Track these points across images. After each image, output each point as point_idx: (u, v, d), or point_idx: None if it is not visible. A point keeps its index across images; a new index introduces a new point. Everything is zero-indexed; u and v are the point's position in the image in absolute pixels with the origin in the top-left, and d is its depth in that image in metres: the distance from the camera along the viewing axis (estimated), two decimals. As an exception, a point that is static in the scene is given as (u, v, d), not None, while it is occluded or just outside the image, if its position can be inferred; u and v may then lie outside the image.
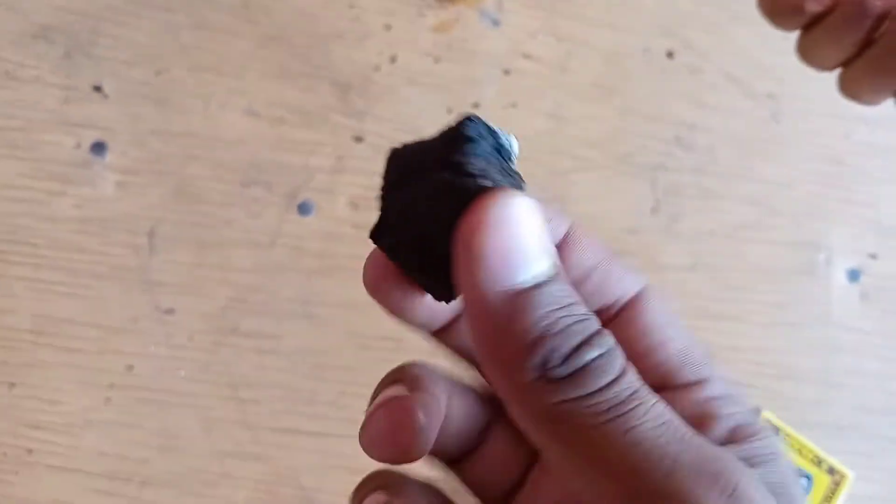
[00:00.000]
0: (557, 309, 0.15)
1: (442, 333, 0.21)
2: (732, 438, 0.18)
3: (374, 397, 0.20)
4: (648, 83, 0.56)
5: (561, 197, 0.54)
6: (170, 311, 0.49)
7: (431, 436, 0.19)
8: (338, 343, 0.50)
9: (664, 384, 0.20)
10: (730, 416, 0.19)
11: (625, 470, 0.15)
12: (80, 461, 0.46)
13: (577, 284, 0.20)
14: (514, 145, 0.19)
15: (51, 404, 0.47)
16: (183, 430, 0.47)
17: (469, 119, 0.18)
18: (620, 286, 0.21)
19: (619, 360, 0.16)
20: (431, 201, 0.17)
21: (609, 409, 0.15)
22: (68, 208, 0.49)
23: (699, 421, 0.18)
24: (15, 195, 0.49)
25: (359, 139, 0.52)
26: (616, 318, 0.20)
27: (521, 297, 0.15)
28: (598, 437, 0.15)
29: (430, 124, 0.55)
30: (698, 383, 0.19)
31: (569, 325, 0.15)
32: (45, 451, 0.46)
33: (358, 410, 0.50)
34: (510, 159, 0.19)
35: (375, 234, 0.19)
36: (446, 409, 0.20)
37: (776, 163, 0.57)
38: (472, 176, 0.17)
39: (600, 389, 0.15)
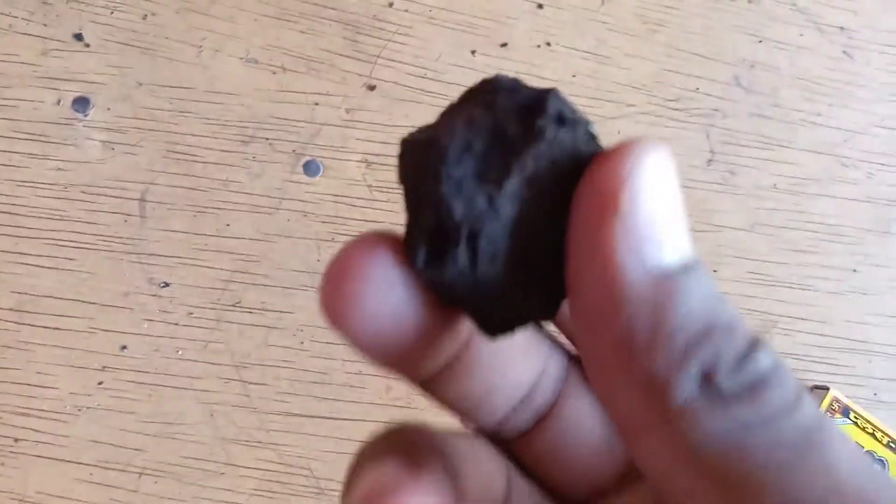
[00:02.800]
0: (715, 301, 0.11)
1: (436, 381, 0.15)
2: None
3: (353, 473, 0.13)
4: (701, 15, 0.49)
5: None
6: (164, 285, 0.44)
7: None
8: (350, 318, 0.44)
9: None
10: None
11: None
12: (70, 450, 0.42)
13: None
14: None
15: (38, 389, 0.43)
16: (182, 416, 0.43)
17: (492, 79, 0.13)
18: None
19: (791, 375, 0.11)
20: (534, 183, 0.12)
21: (800, 435, 0.11)
22: (50, 172, 0.44)
23: None
24: (-10, 158, 0.44)
25: (371, 87, 0.46)
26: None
27: (670, 284, 0.11)
28: (778, 477, 0.11)
29: (451, 68, 0.49)
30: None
31: (733, 322, 0.11)
32: (32, 440, 0.42)
33: (373, 392, 0.46)
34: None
35: (428, 262, 0.13)
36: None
37: (848, 107, 0.50)
38: (589, 137, 0.13)
39: (787, 410, 0.11)
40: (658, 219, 0.11)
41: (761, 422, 0.11)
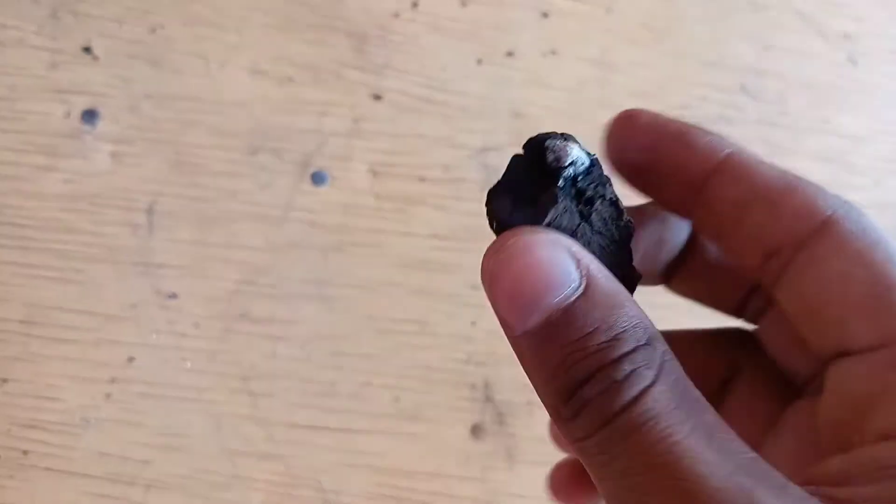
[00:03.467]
0: (569, 343, 0.14)
1: None
2: None
3: None
4: (707, 23, 0.49)
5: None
6: (172, 296, 0.44)
7: None
8: (357, 328, 0.44)
9: (840, 349, 0.16)
10: None
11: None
12: (78, 463, 0.42)
13: (729, 227, 0.18)
14: (570, 154, 0.17)
15: (46, 401, 0.43)
16: (189, 428, 0.43)
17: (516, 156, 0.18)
18: (796, 220, 0.17)
19: (636, 383, 0.14)
20: None
21: (601, 452, 0.14)
22: (58, 184, 0.44)
23: (867, 402, 0.15)
24: (-2, 171, 0.44)
25: (377, 97, 0.46)
26: (788, 267, 0.18)
27: (535, 338, 0.15)
28: (625, 472, 0.14)
29: (458, 77, 0.49)
30: (880, 348, 0.16)
31: (575, 363, 0.14)
32: (40, 452, 0.42)
33: (380, 402, 0.45)
34: (557, 175, 0.17)
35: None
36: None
37: (854, 113, 0.50)
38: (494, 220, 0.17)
39: (603, 425, 0.14)
40: (512, 296, 0.15)
41: (586, 437, 0.14)
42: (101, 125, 0.45)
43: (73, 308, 0.43)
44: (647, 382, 0.14)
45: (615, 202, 0.17)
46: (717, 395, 0.21)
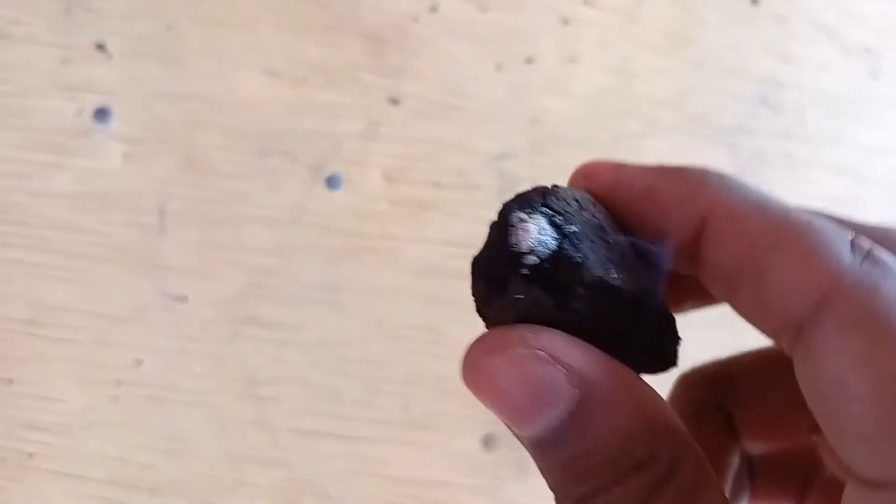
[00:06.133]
0: (561, 467, 0.14)
1: None
2: None
3: None
4: (728, 33, 0.49)
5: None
6: (181, 299, 0.43)
7: None
8: (366, 334, 0.44)
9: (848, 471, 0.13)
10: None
11: None
12: (82, 466, 0.41)
13: (732, 296, 0.15)
14: (529, 238, 0.14)
15: (51, 403, 0.42)
16: (195, 432, 0.42)
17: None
18: (787, 296, 0.14)
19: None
20: None
21: None
22: (67, 183, 0.44)
23: None
24: (7, 169, 0.44)
25: (394, 101, 0.46)
26: (794, 350, 0.14)
27: (528, 445, 0.14)
28: None
29: (476, 83, 0.48)
30: (886, 487, 0.12)
31: (582, 477, 0.13)
32: (44, 454, 0.41)
33: (389, 410, 0.45)
34: (518, 262, 0.15)
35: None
36: None
37: (873, 126, 0.50)
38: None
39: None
40: (505, 409, 0.15)
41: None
42: (114, 124, 0.45)
43: (80, 309, 0.43)
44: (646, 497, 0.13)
45: (601, 281, 0.14)
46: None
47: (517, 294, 0.14)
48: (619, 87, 0.47)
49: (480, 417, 0.43)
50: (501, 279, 0.15)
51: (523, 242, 0.14)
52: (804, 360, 0.13)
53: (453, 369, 0.47)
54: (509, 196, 0.16)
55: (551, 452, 0.14)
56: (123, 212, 0.44)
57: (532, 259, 0.14)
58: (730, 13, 0.49)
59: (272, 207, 0.44)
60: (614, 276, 0.15)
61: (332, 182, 0.45)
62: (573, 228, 0.15)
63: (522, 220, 0.14)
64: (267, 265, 0.44)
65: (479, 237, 0.17)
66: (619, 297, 0.15)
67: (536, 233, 0.14)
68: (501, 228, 0.15)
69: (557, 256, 0.14)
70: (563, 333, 0.14)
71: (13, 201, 0.43)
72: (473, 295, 0.16)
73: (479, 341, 0.15)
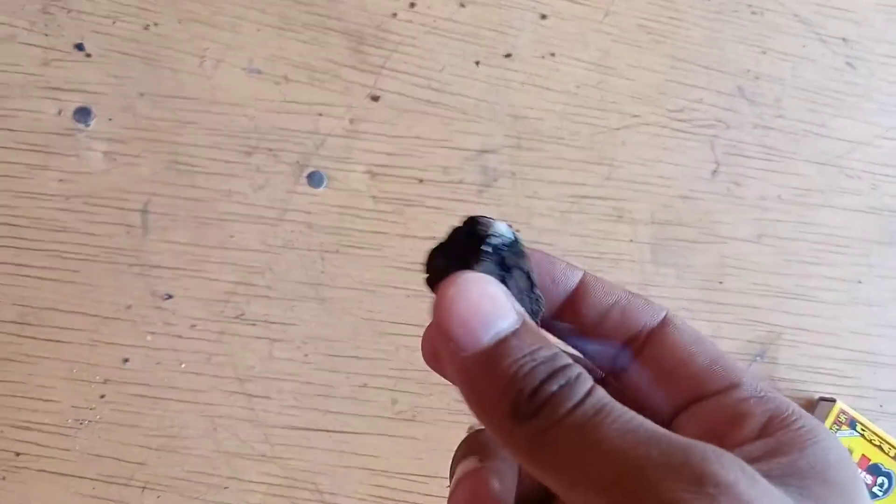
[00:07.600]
0: (521, 357, 0.17)
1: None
2: (766, 432, 0.19)
3: (451, 473, 0.21)
4: (704, 27, 0.49)
5: (608, 159, 0.47)
6: (167, 297, 0.44)
7: (510, 499, 0.21)
8: (354, 330, 0.44)
9: (697, 394, 0.21)
10: (763, 411, 0.19)
11: (605, 482, 0.15)
12: (72, 464, 0.42)
13: (599, 320, 0.22)
14: (495, 228, 0.20)
15: (39, 402, 0.42)
16: (185, 429, 0.43)
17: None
18: (643, 316, 0.22)
19: (583, 385, 0.17)
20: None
21: (577, 427, 0.16)
22: (51, 183, 0.44)
23: (732, 422, 0.19)
24: (-9, 170, 0.44)
25: (375, 98, 0.46)
26: (646, 343, 0.22)
27: (487, 355, 0.18)
28: (574, 455, 0.16)
29: (456, 79, 0.48)
30: (730, 387, 0.20)
31: (532, 368, 0.17)
32: (34, 454, 0.42)
33: (378, 405, 0.45)
34: (484, 240, 0.20)
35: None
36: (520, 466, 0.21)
37: (851, 117, 0.50)
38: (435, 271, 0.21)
39: (567, 412, 0.16)
40: (466, 319, 0.18)
41: (554, 422, 0.16)
42: (95, 123, 0.45)
43: (67, 309, 0.43)
44: (591, 381, 0.17)
45: (529, 276, 0.20)
46: None
47: (477, 259, 0.20)
48: (597, 81, 0.47)
49: (467, 411, 0.43)
50: (464, 257, 0.20)
51: (491, 228, 0.20)
52: (658, 345, 0.22)
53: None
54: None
55: (503, 356, 0.17)
56: (109, 211, 0.44)
57: (496, 240, 0.20)
58: (707, 7, 0.49)
59: (257, 205, 0.45)
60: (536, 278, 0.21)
61: (314, 179, 0.45)
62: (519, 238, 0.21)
63: (489, 217, 0.20)
64: (254, 263, 0.44)
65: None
66: (532, 294, 0.21)
67: (504, 226, 0.20)
68: (470, 225, 0.20)
69: (511, 245, 0.20)
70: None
71: (-3, 203, 0.43)
72: (428, 272, 0.20)
73: (458, 273, 0.18)
